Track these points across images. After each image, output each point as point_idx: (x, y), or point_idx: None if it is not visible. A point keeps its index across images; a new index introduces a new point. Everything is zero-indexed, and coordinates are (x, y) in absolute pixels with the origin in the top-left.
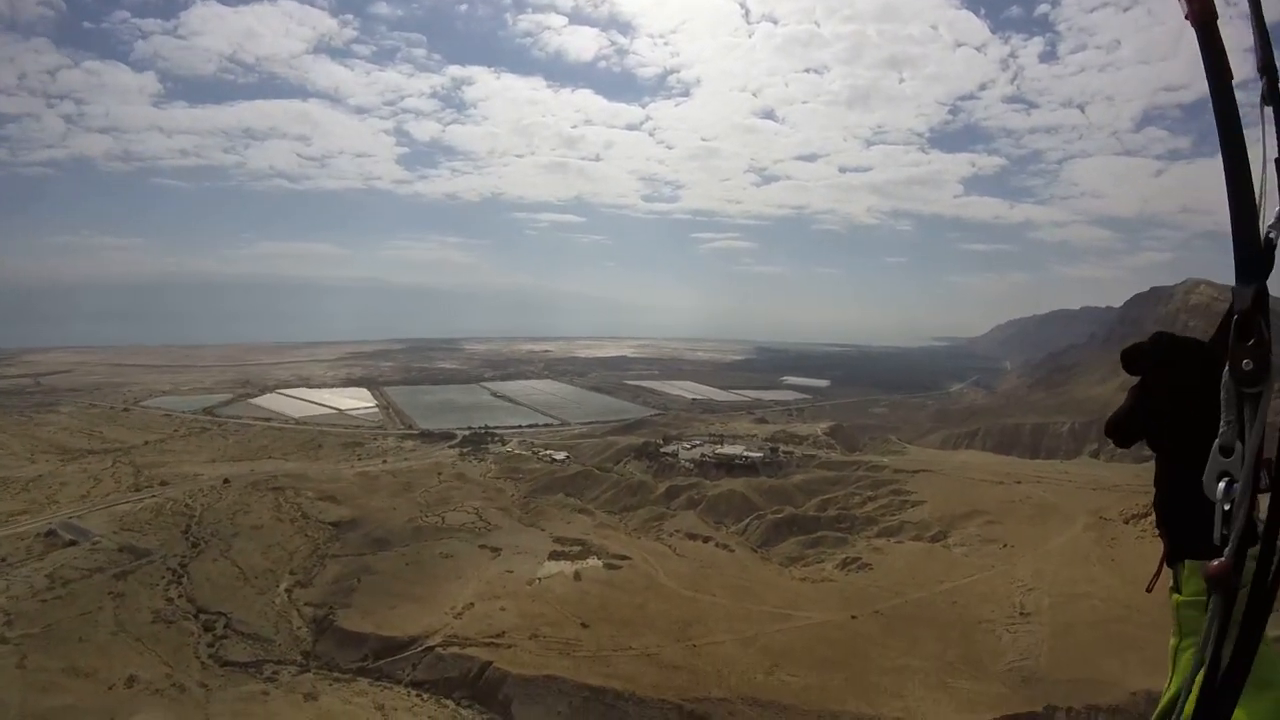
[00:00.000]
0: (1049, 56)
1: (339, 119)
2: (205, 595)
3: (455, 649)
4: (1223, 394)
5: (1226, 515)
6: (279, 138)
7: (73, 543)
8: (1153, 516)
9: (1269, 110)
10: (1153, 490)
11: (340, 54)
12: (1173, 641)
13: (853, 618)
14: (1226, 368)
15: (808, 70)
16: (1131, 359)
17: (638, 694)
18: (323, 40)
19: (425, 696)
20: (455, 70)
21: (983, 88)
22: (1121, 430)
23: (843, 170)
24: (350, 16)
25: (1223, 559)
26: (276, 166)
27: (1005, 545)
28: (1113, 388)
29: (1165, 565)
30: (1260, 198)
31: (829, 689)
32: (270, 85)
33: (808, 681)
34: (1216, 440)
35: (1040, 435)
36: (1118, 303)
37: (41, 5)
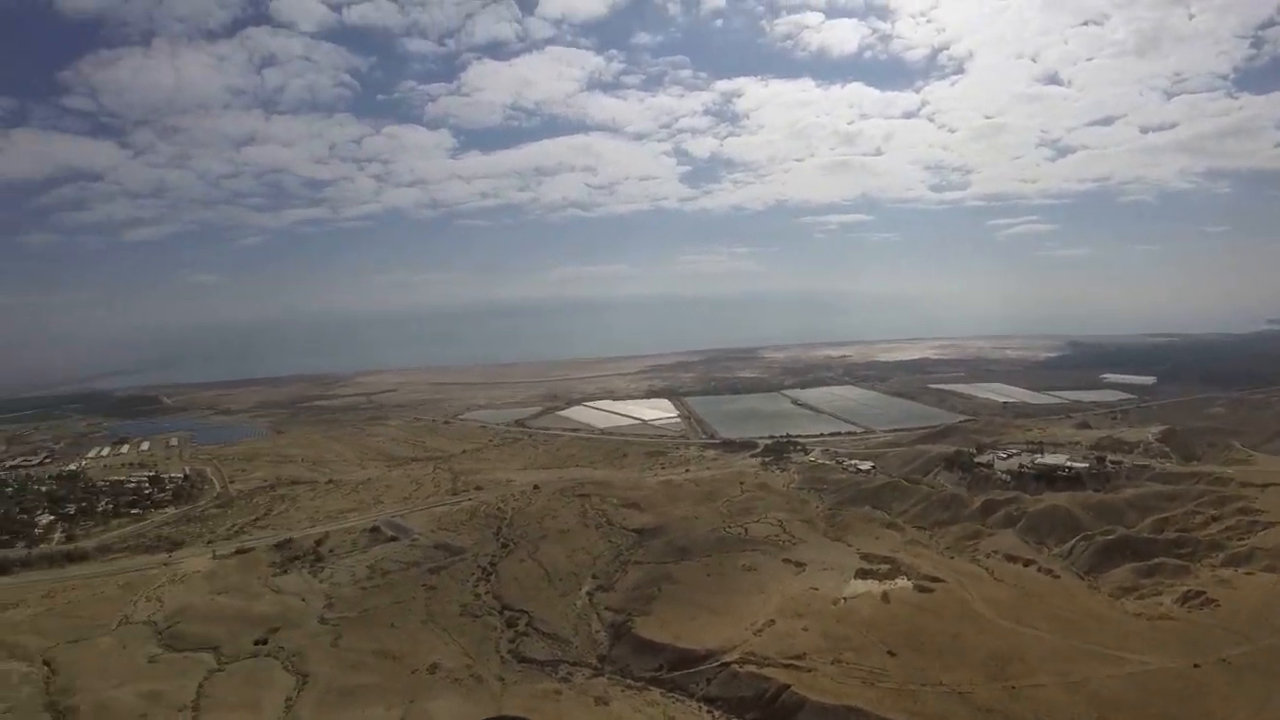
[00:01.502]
0: None
1: (620, 147)
2: (511, 593)
3: (752, 667)
4: None
5: None
6: (567, 171)
7: (394, 539)
8: None
9: None
10: None
11: (611, 87)
12: None
13: (1195, 666)
14: None
15: (1085, 23)
16: None
17: None
18: (593, 77)
19: (717, 714)
20: (723, 85)
21: None
22: None
23: (1144, 130)
24: (615, 51)
25: None
26: (569, 198)
27: None
28: None
29: None
30: None
31: None
32: (552, 125)
33: None
34: None
35: None
36: None
37: (339, 86)
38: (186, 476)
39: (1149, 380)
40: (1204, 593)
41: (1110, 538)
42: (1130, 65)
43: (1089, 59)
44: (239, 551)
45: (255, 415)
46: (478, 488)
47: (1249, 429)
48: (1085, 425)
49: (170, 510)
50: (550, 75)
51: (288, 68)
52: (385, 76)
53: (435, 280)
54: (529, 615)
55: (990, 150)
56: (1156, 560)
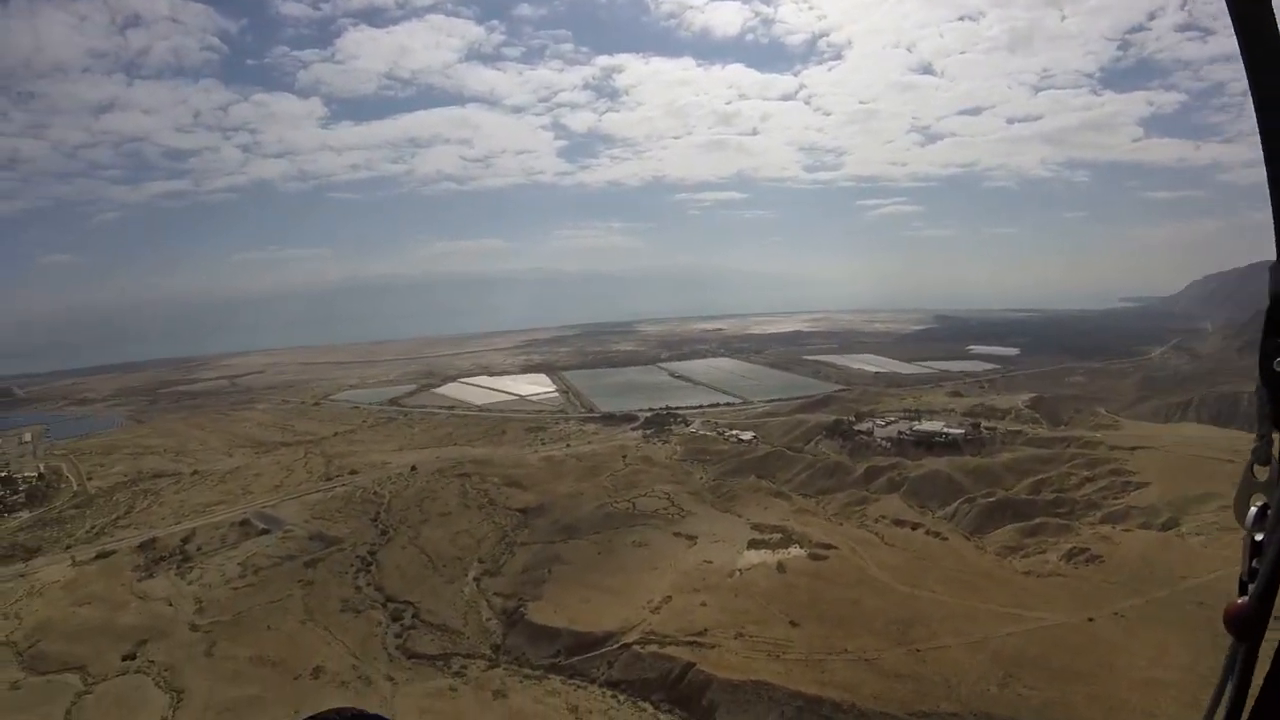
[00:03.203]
0: None
1: (498, 120)
2: (394, 584)
3: (654, 647)
4: (1257, 400)
5: (1256, 546)
6: (443, 144)
7: (265, 531)
8: None
9: None
10: None
11: (491, 58)
12: None
13: (1090, 620)
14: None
15: (961, 18)
16: None
17: (858, 705)
18: (473, 48)
19: (621, 698)
20: (604, 60)
21: (1152, 17)
22: None
23: (1010, 121)
24: (496, 22)
25: (1245, 599)
26: (443, 171)
27: None
28: None
29: None
30: None
31: (1073, 705)
32: (429, 96)
33: (1048, 696)
34: (1250, 456)
35: None
36: None
37: (205, 50)
38: (41, 475)
39: (1013, 351)
40: (1088, 549)
41: (992, 499)
42: (1001, 60)
43: (962, 52)
44: (100, 555)
45: (113, 404)
46: (352, 471)
47: (1111, 396)
48: (957, 393)
49: (25, 514)
50: (429, 44)
51: (153, 29)
52: (255, 41)
53: (304, 256)
54: (415, 606)
55: (863, 134)
56: (1038, 520)
